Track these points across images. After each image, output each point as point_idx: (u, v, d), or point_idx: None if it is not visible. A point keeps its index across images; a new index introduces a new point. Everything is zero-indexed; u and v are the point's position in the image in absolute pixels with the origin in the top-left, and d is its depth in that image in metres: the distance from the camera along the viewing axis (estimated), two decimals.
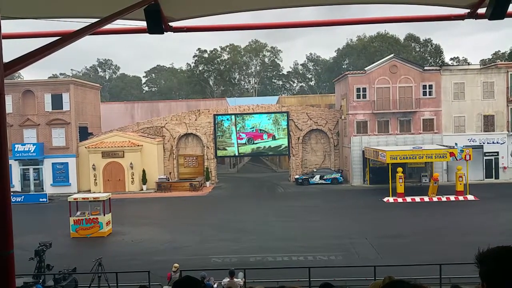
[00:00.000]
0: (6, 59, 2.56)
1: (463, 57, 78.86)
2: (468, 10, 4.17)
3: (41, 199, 37.96)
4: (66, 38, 3.12)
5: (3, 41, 2.51)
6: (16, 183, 42.01)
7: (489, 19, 3.98)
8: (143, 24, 4.01)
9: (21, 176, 43.16)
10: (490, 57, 73.27)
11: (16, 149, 41.47)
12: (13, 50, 3.65)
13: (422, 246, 20.61)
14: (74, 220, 24.74)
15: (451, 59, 78.66)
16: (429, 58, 73.97)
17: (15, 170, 42.10)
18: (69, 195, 28.18)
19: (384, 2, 4.30)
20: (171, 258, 18.29)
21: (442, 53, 74.75)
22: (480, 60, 70.25)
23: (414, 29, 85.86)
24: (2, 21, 2.51)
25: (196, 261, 18.87)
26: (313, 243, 21.66)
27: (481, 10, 4.07)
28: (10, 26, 4.12)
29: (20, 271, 14.93)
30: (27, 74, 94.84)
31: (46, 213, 32.99)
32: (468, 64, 59.26)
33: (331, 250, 20.37)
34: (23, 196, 38.13)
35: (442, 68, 43.32)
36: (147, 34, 4.09)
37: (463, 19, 4.31)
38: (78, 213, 25.14)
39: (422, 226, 24.91)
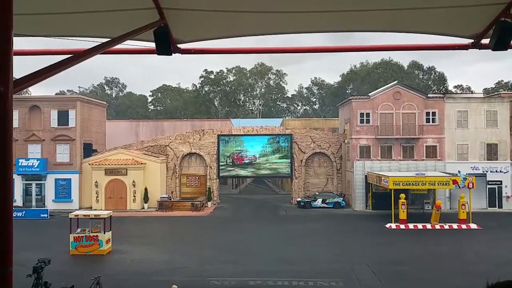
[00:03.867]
0: (16, 75, 2.60)
1: (467, 85, 79.12)
2: (472, 40, 4.21)
3: (42, 215, 37.84)
4: (76, 57, 3.18)
5: (14, 57, 2.56)
6: (18, 198, 41.98)
7: (492, 50, 4.00)
8: (152, 45, 4.08)
9: (23, 191, 43.15)
10: (493, 86, 73.51)
11: (20, 164, 41.56)
12: (22, 67, 3.71)
13: (423, 274, 20.36)
14: (74, 237, 24.62)
15: (455, 86, 78.91)
16: (432, 85, 74.28)
17: (18, 185, 42.15)
18: (71, 212, 28.10)
19: (390, 31, 4.35)
20: (170, 279, 18.10)
21: (446, 81, 75.05)
22: (483, 89, 70.52)
23: (418, 56, 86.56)
24: (14, 38, 2.55)
25: (195, 283, 18.66)
26: (314, 268, 21.42)
27: (485, 41, 4.10)
28: (21, 43, 4.20)
29: None
30: (34, 89, 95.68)
31: (46, 229, 32.82)
32: (472, 92, 59.47)
33: (332, 276, 20.12)
34: (24, 211, 38.00)
35: (445, 96, 43.49)
36: (156, 54, 4.16)
37: (467, 49, 4.34)
38: (79, 230, 25.03)
39: (424, 254, 24.63)
